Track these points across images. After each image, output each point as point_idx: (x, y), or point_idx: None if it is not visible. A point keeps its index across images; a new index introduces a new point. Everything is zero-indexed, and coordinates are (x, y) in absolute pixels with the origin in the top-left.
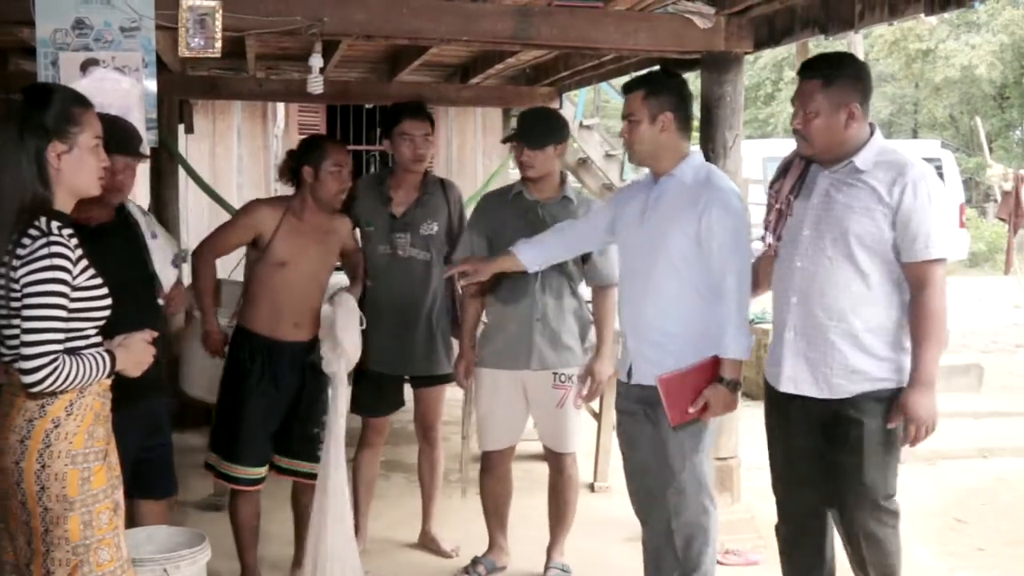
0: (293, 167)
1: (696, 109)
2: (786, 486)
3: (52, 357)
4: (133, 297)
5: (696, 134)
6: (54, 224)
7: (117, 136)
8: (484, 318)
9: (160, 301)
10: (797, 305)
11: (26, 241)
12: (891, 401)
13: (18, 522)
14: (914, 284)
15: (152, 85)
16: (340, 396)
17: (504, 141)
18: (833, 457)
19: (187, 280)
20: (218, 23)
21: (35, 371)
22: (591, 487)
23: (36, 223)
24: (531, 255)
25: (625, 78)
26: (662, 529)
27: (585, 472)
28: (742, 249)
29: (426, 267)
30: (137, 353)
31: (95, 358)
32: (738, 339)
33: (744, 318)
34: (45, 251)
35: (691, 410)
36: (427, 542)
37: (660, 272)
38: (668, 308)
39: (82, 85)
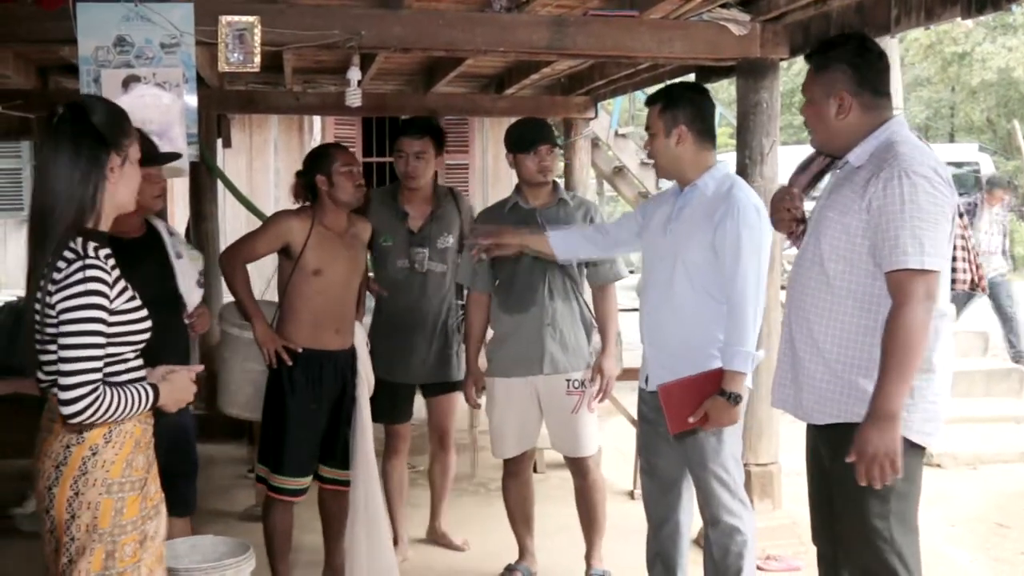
0: (306, 183)
1: (733, 116)
2: (812, 519)
3: (92, 387)
4: (159, 315)
5: (733, 141)
6: (91, 245)
7: (146, 146)
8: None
9: (186, 320)
10: (786, 316)
11: (61, 265)
12: None
13: (47, 550)
14: (892, 298)
15: (193, 100)
16: (364, 408)
17: (524, 145)
18: (828, 490)
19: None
20: (257, 38)
21: (74, 402)
22: (631, 494)
23: (72, 245)
24: (561, 244)
25: (660, 86)
26: (671, 534)
27: (625, 479)
28: (753, 262)
29: (442, 278)
30: (180, 391)
31: (137, 392)
32: (739, 352)
33: (749, 332)
34: (80, 275)
35: (691, 420)
36: (437, 538)
37: (679, 282)
38: (686, 317)
39: (124, 101)
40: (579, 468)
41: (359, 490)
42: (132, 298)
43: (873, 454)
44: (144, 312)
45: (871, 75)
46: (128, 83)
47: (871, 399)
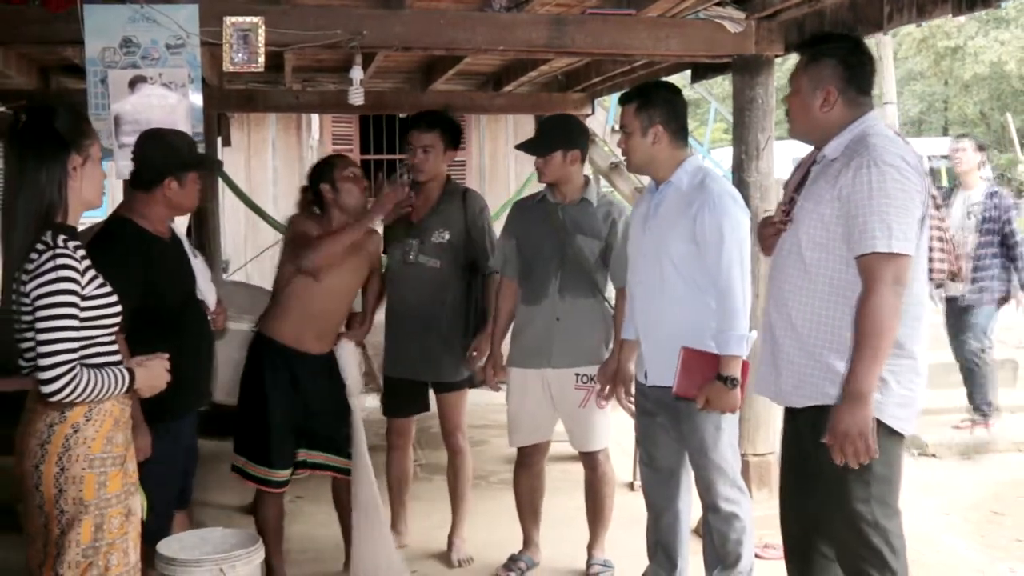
0: (313, 193)
1: (727, 112)
2: (781, 502)
3: (69, 367)
4: (194, 312)
5: (727, 136)
6: (60, 237)
7: (194, 152)
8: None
9: (209, 318)
10: (766, 305)
11: (33, 256)
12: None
13: (36, 525)
14: (862, 282)
15: (198, 100)
16: (355, 408)
17: (517, 148)
18: (807, 474)
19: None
20: (261, 38)
21: (52, 381)
22: (630, 486)
23: (43, 238)
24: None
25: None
26: (671, 523)
27: (625, 471)
28: (735, 248)
29: (434, 274)
30: (155, 377)
31: (114, 374)
32: (732, 336)
33: (739, 316)
34: (51, 264)
35: (698, 406)
36: (449, 545)
37: (667, 276)
38: (677, 310)
39: (130, 101)
40: (589, 461)
41: (359, 486)
42: (102, 284)
43: (845, 433)
44: (115, 298)
45: (860, 74)
46: (134, 83)
47: (844, 381)
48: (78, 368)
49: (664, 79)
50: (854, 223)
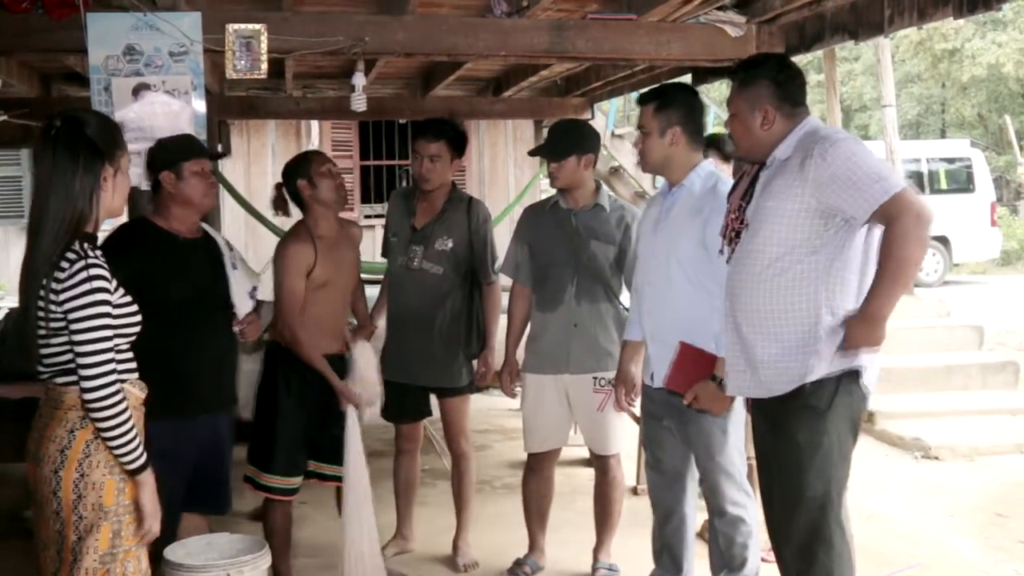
0: (290, 192)
1: (725, 114)
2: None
3: (114, 377)
4: (210, 315)
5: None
6: (87, 246)
7: (193, 143)
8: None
9: (235, 328)
10: (728, 309)
11: (64, 264)
12: (830, 396)
13: (50, 531)
14: (887, 222)
15: (201, 107)
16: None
17: (530, 154)
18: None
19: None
20: (263, 45)
21: (99, 388)
22: (634, 490)
23: (73, 247)
24: (638, 331)
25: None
26: (677, 526)
27: (628, 475)
28: None
29: (437, 280)
30: (154, 513)
31: (140, 444)
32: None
33: None
34: (85, 274)
35: (684, 401)
36: (454, 551)
37: (675, 278)
38: (685, 312)
39: (134, 109)
40: (602, 465)
41: (349, 488)
42: (125, 294)
43: (862, 345)
44: (135, 307)
45: (791, 89)
46: (138, 91)
47: (863, 304)
48: (119, 384)
49: (676, 80)
50: (848, 194)
